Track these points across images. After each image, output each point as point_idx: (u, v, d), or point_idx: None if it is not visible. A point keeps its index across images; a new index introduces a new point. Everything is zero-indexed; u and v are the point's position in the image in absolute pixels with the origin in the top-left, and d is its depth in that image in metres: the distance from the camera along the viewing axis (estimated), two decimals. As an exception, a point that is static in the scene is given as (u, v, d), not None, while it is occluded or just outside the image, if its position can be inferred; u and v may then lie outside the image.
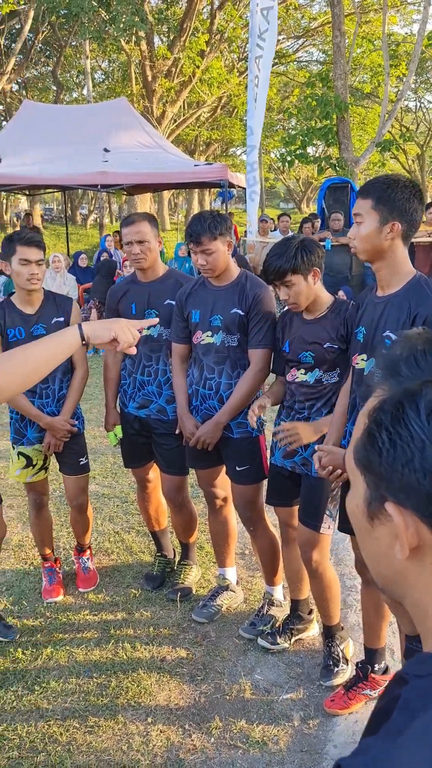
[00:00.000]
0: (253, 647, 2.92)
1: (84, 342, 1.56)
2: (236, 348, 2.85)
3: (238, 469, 2.94)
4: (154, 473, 3.42)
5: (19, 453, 3.19)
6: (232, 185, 12.00)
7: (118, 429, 3.32)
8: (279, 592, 3.14)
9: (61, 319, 3.11)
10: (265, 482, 2.93)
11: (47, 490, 3.38)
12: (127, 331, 1.59)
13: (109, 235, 12.87)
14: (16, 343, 3.01)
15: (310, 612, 3.01)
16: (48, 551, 3.43)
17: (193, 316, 2.92)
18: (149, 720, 2.51)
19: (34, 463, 3.22)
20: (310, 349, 2.58)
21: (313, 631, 3.01)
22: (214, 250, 2.77)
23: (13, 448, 3.21)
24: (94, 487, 4.65)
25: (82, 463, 3.29)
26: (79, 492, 3.33)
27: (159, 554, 3.55)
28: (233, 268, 2.89)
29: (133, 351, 1.63)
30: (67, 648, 2.93)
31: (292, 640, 2.94)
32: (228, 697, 2.63)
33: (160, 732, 2.45)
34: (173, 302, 3.05)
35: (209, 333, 2.88)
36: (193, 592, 3.35)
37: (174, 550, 3.62)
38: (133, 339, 1.59)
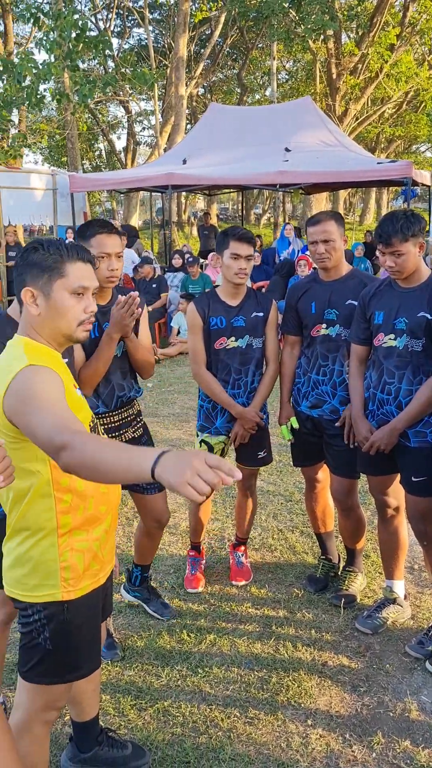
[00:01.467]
0: (420, 667, 2.78)
1: (153, 479, 1.34)
2: (420, 353, 2.72)
3: (413, 479, 2.81)
4: (324, 474, 3.38)
5: (202, 441, 3.31)
6: (415, 183, 11.53)
7: (293, 420, 3.29)
8: (451, 614, 2.96)
9: (261, 314, 3.17)
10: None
11: None
12: (198, 482, 1.27)
13: (289, 223, 12.92)
14: (216, 332, 3.13)
15: None
16: (199, 541, 3.53)
17: (375, 318, 2.84)
18: (309, 722, 2.49)
19: (214, 452, 3.32)
20: None
21: None
22: (405, 252, 2.66)
23: (197, 435, 3.34)
24: (259, 483, 4.71)
25: (260, 456, 3.35)
26: (249, 475, 3.44)
27: (323, 557, 3.51)
28: (423, 270, 2.77)
29: (200, 499, 1.31)
30: (230, 637, 3.00)
31: (464, 666, 2.76)
32: (392, 714, 2.53)
33: (320, 737, 2.42)
34: (355, 302, 2.98)
35: (392, 336, 2.78)
36: (358, 600, 3.27)
37: (339, 555, 3.56)
38: (208, 488, 1.28)
